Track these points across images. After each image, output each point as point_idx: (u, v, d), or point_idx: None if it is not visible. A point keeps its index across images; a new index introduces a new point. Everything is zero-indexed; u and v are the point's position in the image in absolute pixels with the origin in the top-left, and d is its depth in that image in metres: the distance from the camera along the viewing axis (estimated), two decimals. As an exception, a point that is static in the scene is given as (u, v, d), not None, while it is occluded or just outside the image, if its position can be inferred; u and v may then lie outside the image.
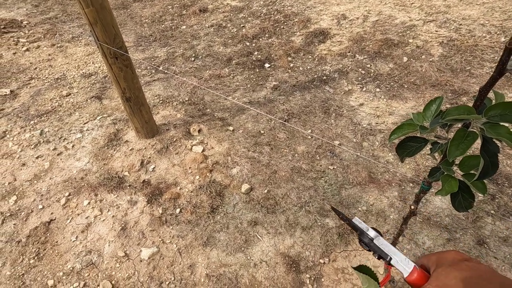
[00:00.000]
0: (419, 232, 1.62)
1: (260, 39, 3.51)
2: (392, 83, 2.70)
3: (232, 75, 3.06)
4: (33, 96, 2.89)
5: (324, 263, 1.50)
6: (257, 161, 2.09)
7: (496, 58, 2.72)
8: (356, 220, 0.56)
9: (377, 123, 2.35)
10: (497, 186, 1.82)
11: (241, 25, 3.78)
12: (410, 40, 3.07)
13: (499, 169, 1.92)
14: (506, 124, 0.57)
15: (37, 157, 2.21)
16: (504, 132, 0.54)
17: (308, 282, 1.43)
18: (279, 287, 1.42)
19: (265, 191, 1.87)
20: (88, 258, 1.54)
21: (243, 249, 1.58)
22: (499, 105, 0.57)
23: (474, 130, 0.59)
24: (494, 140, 0.58)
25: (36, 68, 3.32)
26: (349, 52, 3.10)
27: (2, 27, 4.05)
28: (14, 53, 3.58)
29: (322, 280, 1.44)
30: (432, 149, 0.68)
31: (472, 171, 0.64)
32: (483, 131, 0.58)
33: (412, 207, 0.91)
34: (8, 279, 1.48)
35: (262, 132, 2.33)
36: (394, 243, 1.09)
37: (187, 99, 2.72)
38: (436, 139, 0.69)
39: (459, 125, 0.63)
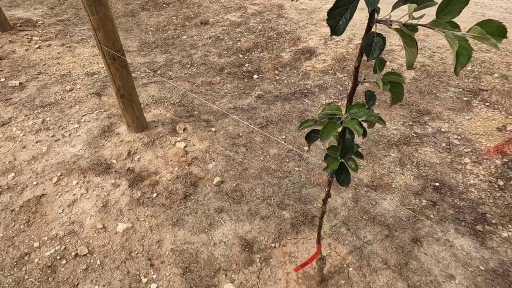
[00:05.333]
0: (363, 227, 1.84)
1: (253, 53, 3.81)
2: (365, 100, 2.96)
3: (222, 83, 3.34)
4: (40, 89, 3.18)
5: (274, 247, 1.72)
6: (231, 159, 2.33)
7: (460, 84, 3.00)
8: None
9: (345, 134, 2.59)
10: (440, 194, 2.05)
11: (237, 39, 4.10)
12: (387, 63, 3.35)
13: (443, 180, 2.15)
14: (360, 118, 0.81)
15: (36, 142, 2.46)
16: (354, 124, 0.79)
17: (257, 261, 1.65)
18: (231, 263, 1.64)
19: (234, 184, 2.10)
20: (71, 227, 1.76)
21: (206, 231, 1.80)
22: (355, 105, 0.82)
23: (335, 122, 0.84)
24: (351, 128, 0.83)
25: (45, 64, 3.63)
26: (331, 70, 3.39)
27: (18, 25, 4.40)
28: (27, 50, 3.90)
29: (271, 260, 1.65)
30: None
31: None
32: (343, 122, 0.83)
33: (327, 189, 1.15)
34: (0, 240, 1.71)
35: (241, 135, 2.58)
36: (320, 224, 1.31)
37: (178, 101, 2.99)
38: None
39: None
